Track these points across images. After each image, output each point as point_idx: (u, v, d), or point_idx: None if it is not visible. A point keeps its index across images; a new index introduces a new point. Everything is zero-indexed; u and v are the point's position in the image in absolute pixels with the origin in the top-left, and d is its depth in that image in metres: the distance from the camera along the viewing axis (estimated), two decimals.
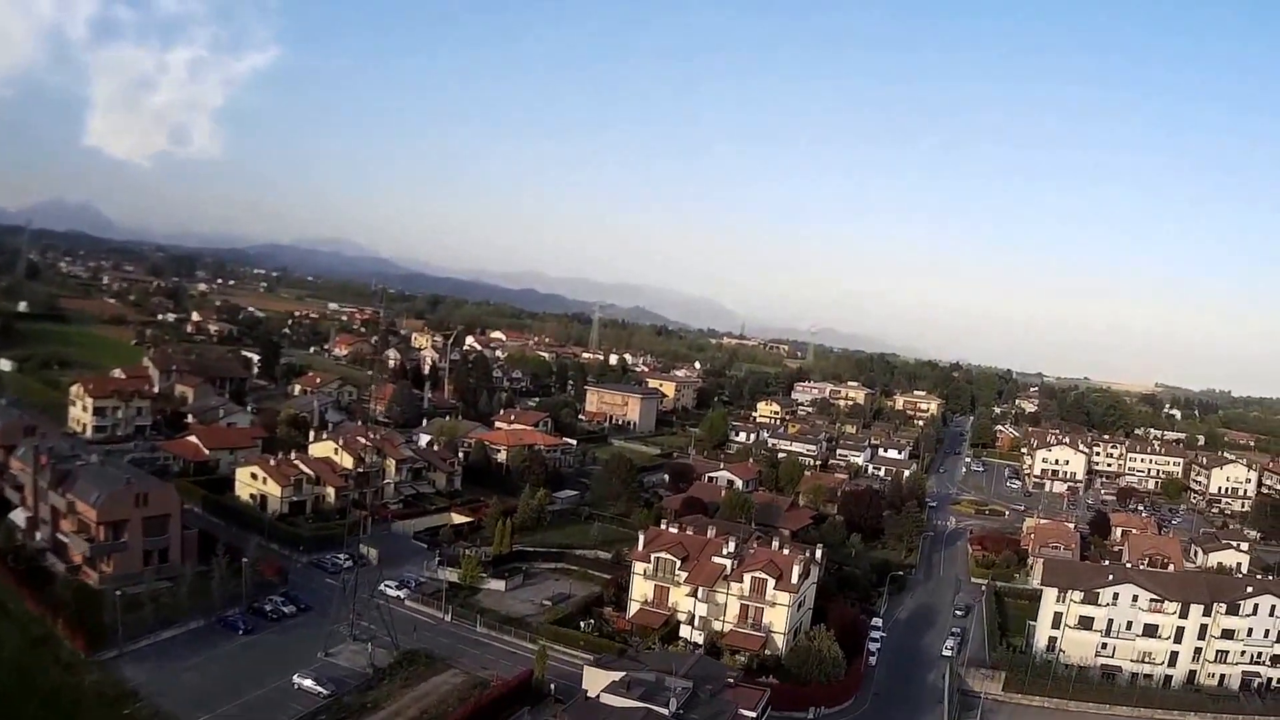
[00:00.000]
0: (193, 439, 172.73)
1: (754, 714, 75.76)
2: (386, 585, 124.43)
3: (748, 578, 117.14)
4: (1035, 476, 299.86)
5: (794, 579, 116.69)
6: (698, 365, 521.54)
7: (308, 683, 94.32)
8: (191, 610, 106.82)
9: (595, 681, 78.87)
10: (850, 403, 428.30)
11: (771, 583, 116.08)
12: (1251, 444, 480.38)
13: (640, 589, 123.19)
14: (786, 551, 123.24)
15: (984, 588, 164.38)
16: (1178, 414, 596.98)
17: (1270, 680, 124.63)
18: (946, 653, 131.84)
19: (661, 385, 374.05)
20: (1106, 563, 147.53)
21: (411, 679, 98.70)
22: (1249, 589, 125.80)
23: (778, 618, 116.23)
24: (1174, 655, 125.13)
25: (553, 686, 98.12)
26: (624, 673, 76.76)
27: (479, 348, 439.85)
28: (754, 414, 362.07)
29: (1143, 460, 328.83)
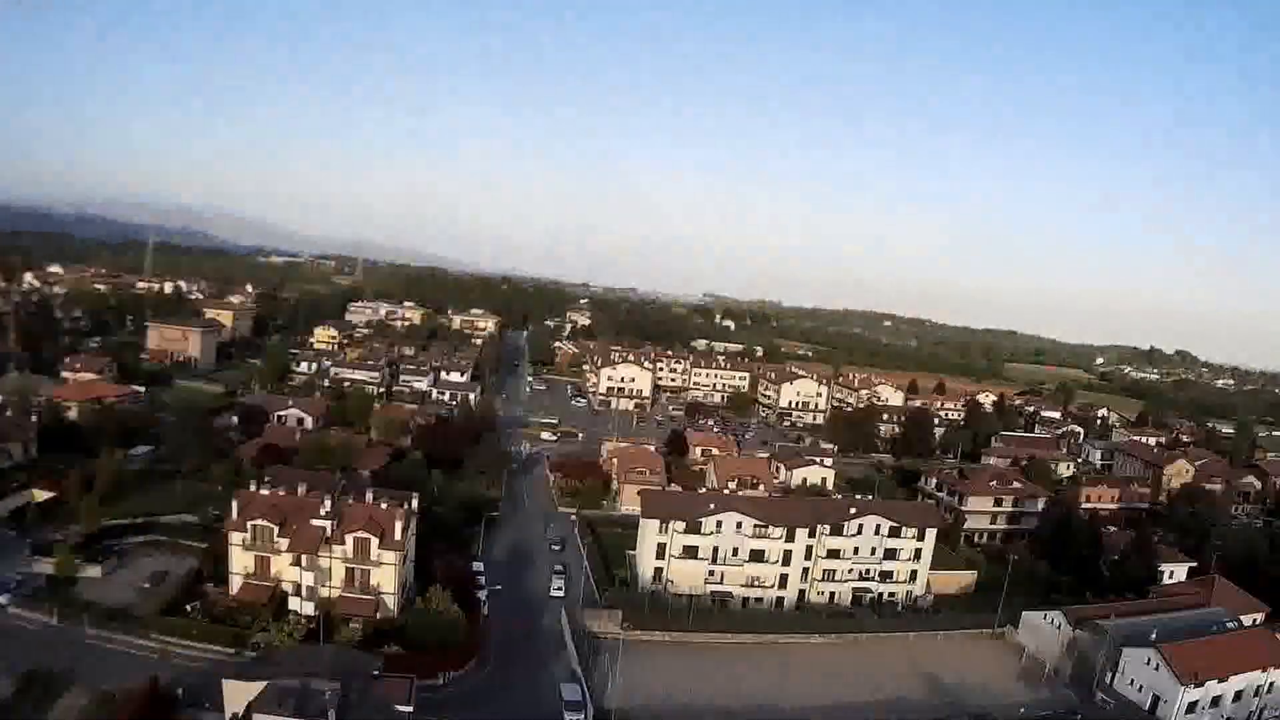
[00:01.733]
0: None
1: (409, 709, 72.17)
2: None
3: (350, 539, 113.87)
4: (601, 395, 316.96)
5: (398, 535, 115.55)
6: (250, 289, 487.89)
7: None
8: None
9: (237, 696, 71.74)
10: (407, 323, 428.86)
11: (375, 542, 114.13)
12: (810, 355, 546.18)
13: (241, 561, 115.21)
14: (384, 505, 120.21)
15: (573, 518, 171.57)
16: (731, 325, 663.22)
17: (881, 595, 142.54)
18: (556, 594, 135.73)
19: (219, 314, 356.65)
20: (702, 490, 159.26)
21: (39, 708, 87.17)
22: (852, 510, 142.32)
23: (386, 578, 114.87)
24: (784, 578, 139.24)
25: (180, 690, 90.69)
26: (266, 682, 69.55)
27: (37, 285, 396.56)
28: (311, 340, 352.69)
29: (708, 375, 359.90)
